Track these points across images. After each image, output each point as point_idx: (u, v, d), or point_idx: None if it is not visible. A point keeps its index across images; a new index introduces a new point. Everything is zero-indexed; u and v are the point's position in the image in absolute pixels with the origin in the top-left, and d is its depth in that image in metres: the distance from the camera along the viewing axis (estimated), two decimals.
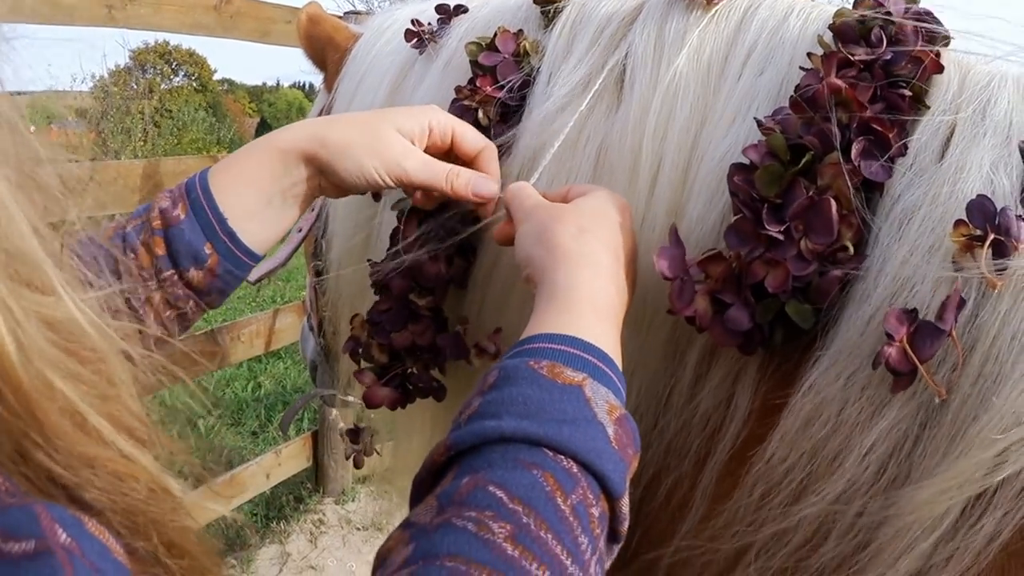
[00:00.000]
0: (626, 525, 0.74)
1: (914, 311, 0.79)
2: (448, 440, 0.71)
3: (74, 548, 0.46)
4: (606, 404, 0.74)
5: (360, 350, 1.26)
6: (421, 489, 0.73)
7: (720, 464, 0.96)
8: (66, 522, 0.47)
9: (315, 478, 4.60)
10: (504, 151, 1.16)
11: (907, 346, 0.78)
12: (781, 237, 0.87)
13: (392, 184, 1.06)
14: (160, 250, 1.01)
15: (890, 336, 0.78)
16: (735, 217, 0.92)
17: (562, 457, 0.69)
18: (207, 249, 1.03)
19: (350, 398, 2.01)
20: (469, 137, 1.11)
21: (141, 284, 0.99)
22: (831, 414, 0.85)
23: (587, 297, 0.86)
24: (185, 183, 1.05)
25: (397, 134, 1.05)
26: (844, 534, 0.83)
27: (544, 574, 0.60)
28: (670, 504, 1.02)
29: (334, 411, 4.11)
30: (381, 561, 0.64)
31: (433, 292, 1.22)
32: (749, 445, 0.93)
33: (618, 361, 0.83)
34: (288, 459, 4.18)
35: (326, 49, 1.69)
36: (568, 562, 0.63)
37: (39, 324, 0.54)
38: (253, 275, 1.66)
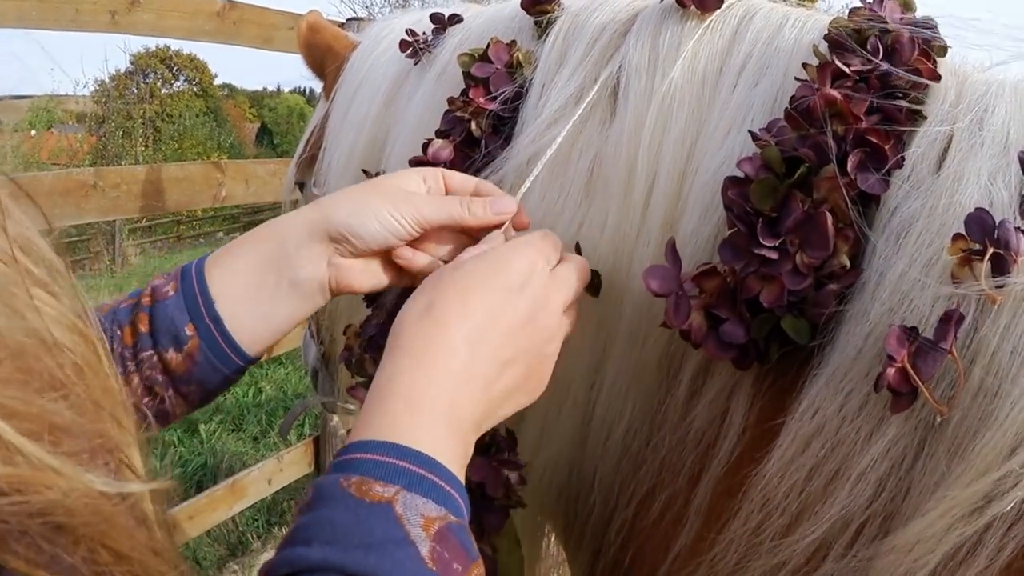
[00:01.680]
0: None
1: (914, 330, 0.78)
2: (265, 567, 0.67)
3: None
4: (421, 519, 0.68)
5: (353, 362, 1.24)
6: None
7: (714, 480, 0.95)
8: None
9: None
10: (496, 165, 1.15)
11: (908, 367, 0.76)
12: (775, 253, 0.86)
13: (414, 228, 0.99)
14: (144, 327, 0.97)
15: (891, 358, 0.76)
16: (729, 231, 0.90)
17: None
18: (188, 330, 0.96)
19: (351, 405, 2.02)
20: (458, 178, 1.07)
21: (120, 363, 0.94)
22: (829, 432, 0.83)
23: (404, 391, 0.78)
24: (183, 265, 1.01)
25: (399, 187, 1.02)
26: (842, 556, 0.81)
27: None
28: (663, 521, 1.00)
29: (336, 417, 4.12)
30: None
31: None
32: (744, 462, 0.91)
33: (450, 458, 0.75)
34: (290, 465, 4.18)
35: (325, 57, 1.70)
36: None
37: None
38: None
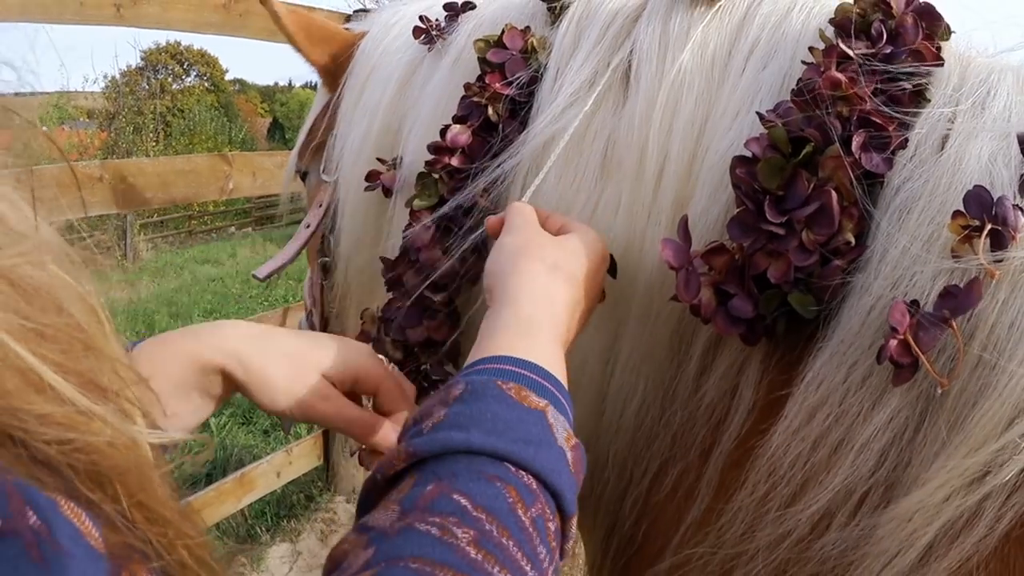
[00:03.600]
0: (571, 543, 0.78)
1: (916, 303, 0.80)
2: (410, 447, 0.72)
3: (43, 530, 0.46)
4: (565, 432, 0.78)
5: (373, 346, 1.26)
6: (373, 494, 0.74)
7: (725, 454, 0.97)
8: (38, 503, 0.47)
9: (326, 476, 4.60)
10: (514, 149, 1.17)
11: (910, 339, 0.79)
12: (783, 230, 0.89)
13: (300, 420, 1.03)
14: None
15: (894, 329, 0.79)
16: (738, 209, 0.93)
17: (523, 473, 0.71)
18: None
19: None
20: (372, 375, 1.05)
21: None
22: (834, 403, 0.86)
23: (548, 330, 0.90)
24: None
25: (320, 378, 1.01)
26: (845, 524, 0.84)
27: None
28: (676, 494, 1.03)
29: None
30: (336, 564, 0.65)
31: (447, 288, 1.23)
32: (753, 435, 0.94)
33: (567, 386, 0.86)
34: (299, 457, 4.17)
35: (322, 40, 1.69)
36: (528, 568, 0.64)
37: None
38: (262, 272, 1.67)
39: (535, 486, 0.71)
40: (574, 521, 0.76)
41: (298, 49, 1.68)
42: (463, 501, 0.65)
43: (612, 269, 1.06)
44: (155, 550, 0.59)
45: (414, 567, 0.59)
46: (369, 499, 0.74)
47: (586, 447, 1.17)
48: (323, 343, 1.05)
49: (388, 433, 1.04)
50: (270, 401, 0.98)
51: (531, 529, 0.67)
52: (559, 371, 0.86)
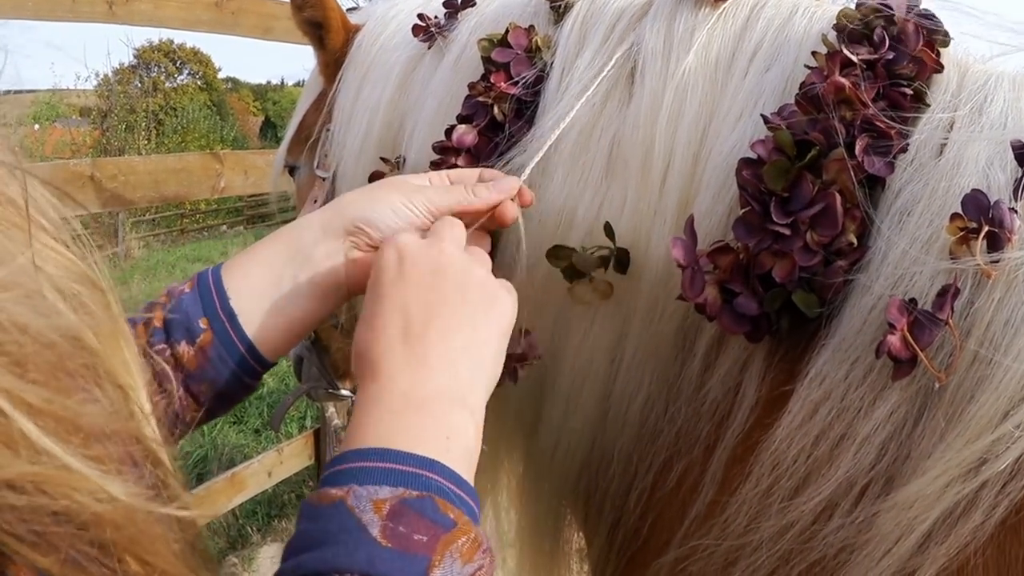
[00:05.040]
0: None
1: (913, 301, 0.83)
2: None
3: None
4: (371, 503, 0.70)
5: None
6: None
7: (729, 449, 0.99)
8: None
9: (317, 476, 4.57)
10: (520, 147, 1.18)
11: (908, 334, 0.81)
12: (788, 230, 0.91)
13: (427, 215, 1.02)
14: (158, 322, 0.95)
15: (892, 325, 0.81)
16: (743, 210, 0.95)
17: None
18: (202, 324, 0.96)
19: (343, 391, 2.00)
20: (464, 173, 1.12)
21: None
22: (835, 399, 0.88)
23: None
24: (201, 271, 1.01)
25: (407, 181, 1.06)
26: (846, 515, 0.86)
27: None
28: (681, 489, 1.05)
29: (330, 407, 4.11)
30: None
31: None
32: (757, 431, 0.96)
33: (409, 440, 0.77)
34: (290, 457, 4.18)
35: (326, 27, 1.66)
36: None
37: None
38: None
39: None
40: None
41: (328, 29, 1.63)
42: None
43: (624, 266, 1.08)
44: None
45: None
46: None
47: (592, 443, 1.20)
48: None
49: (494, 182, 1.09)
50: (389, 209, 1.02)
51: None
52: (380, 429, 0.77)
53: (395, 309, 0.84)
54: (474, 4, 1.41)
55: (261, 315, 0.99)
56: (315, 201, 1.63)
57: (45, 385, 0.54)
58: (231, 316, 0.97)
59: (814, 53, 0.99)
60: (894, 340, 0.81)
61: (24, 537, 0.50)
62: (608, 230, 1.08)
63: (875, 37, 0.96)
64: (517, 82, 1.22)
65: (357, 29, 1.63)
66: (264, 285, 1.00)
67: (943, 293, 0.81)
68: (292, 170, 1.82)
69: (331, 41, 1.64)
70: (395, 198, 1.02)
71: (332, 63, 1.65)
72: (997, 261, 0.80)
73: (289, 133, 1.83)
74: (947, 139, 0.92)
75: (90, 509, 0.53)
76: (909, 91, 0.94)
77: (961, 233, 0.82)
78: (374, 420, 0.78)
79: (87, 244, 0.66)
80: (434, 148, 1.25)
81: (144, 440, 0.65)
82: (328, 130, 1.63)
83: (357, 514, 0.68)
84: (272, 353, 1.02)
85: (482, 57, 1.25)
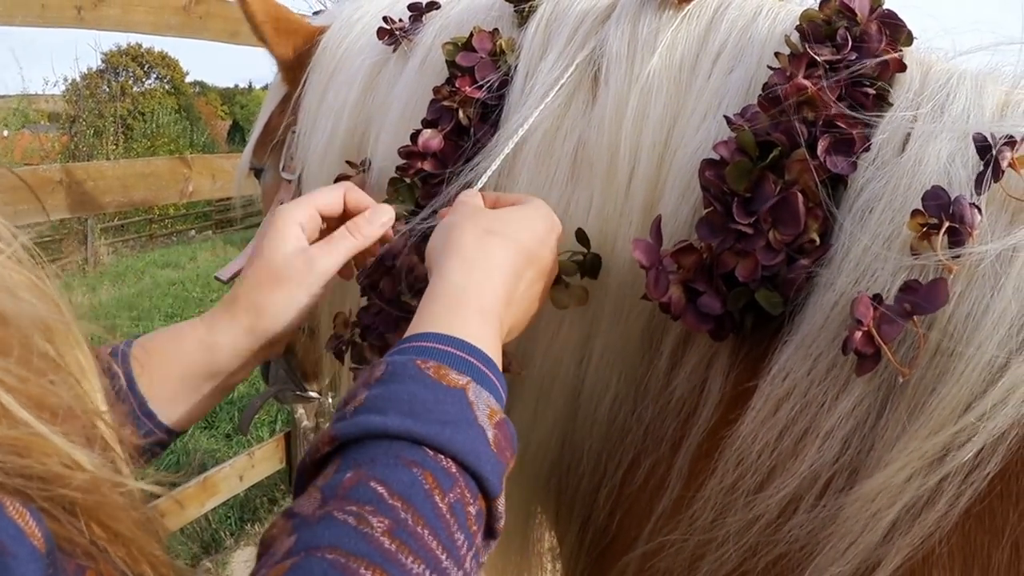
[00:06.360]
0: (502, 522, 0.78)
1: (878, 297, 0.84)
2: (332, 431, 0.73)
3: None
4: (487, 408, 0.77)
5: (347, 350, 1.26)
6: (304, 477, 0.75)
7: (695, 445, 1.00)
8: None
9: (289, 480, 4.57)
10: (486, 152, 1.18)
11: (874, 330, 0.82)
12: (751, 229, 0.92)
13: (323, 287, 1.08)
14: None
15: (859, 322, 0.82)
16: (706, 210, 0.96)
17: (442, 457, 0.71)
18: None
19: (311, 393, 1.98)
20: (354, 194, 1.16)
21: None
22: (799, 394, 0.89)
23: (475, 299, 0.89)
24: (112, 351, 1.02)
25: (287, 262, 1.07)
26: (812, 508, 0.87)
27: (419, 568, 0.62)
28: (648, 485, 1.06)
29: (300, 409, 4.09)
30: (266, 548, 0.66)
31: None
32: (722, 427, 0.97)
33: (499, 363, 0.85)
34: (261, 461, 4.15)
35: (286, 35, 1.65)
36: (443, 557, 0.65)
37: None
38: (224, 273, 1.63)
39: (454, 469, 0.71)
40: (500, 501, 0.76)
41: (264, 40, 1.64)
42: (380, 489, 0.66)
43: (595, 271, 1.08)
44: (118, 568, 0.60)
45: (330, 558, 0.60)
46: (301, 481, 0.75)
47: (562, 443, 1.20)
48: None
49: (370, 215, 1.13)
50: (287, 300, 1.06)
51: (448, 516, 0.68)
52: (487, 342, 0.85)
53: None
54: (439, 7, 1.41)
55: (181, 410, 1.02)
56: (280, 203, 1.60)
57: (20, 367, 0.58)
58: (150, 416, 0.99)
59: (777, 54, 1.00)
60: (859, 336, 0.82)
61: (5, 484, 0.53)
62: (581, 236, 1.08)
63: (838, 37, 0.98)
64: (482, 86, 1.22)
65: (322, 31, 1.61)
66: (180, 395, 1.02)
67: (906, 288, 0.82)
68: (257, 172, 1.81)
69: (275, 52, 1.65)
70: (293, 297, 1.06)
71: (290, 68, 1.64)
72: (958, 256, 0.81)
73: (254, 135, 1.81)
74: (909, 136, 0.93)
75: (60, 474, 0.56)
76: (872, 91, 0.95)
77: (923, 229, 0.83)
78: (475, 320, 0.87)
79: (39, 259, 0.68)
80: (400, 153, 1.25)
81: (99, 426, 0.66)
82: (293, 132, 1.62)
83: (476, 412, 0.76)
84: (191, 424, 1.06)
85: (447, 61, 1.25)
